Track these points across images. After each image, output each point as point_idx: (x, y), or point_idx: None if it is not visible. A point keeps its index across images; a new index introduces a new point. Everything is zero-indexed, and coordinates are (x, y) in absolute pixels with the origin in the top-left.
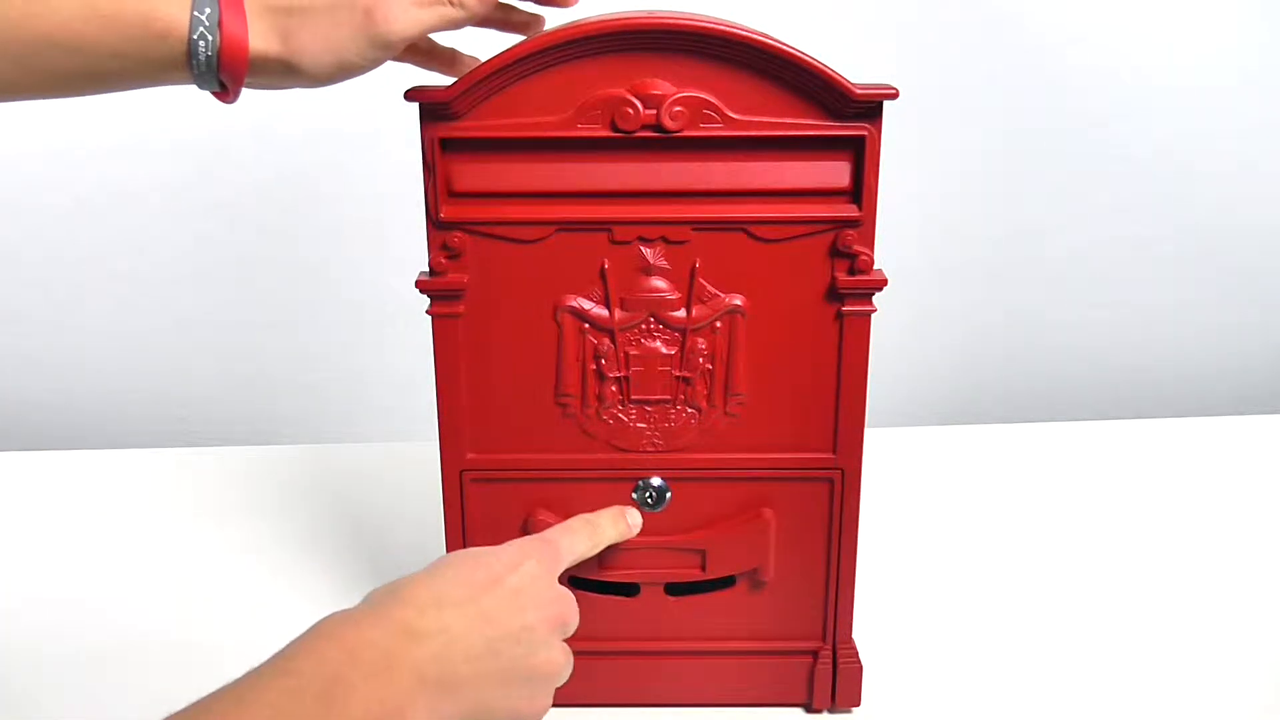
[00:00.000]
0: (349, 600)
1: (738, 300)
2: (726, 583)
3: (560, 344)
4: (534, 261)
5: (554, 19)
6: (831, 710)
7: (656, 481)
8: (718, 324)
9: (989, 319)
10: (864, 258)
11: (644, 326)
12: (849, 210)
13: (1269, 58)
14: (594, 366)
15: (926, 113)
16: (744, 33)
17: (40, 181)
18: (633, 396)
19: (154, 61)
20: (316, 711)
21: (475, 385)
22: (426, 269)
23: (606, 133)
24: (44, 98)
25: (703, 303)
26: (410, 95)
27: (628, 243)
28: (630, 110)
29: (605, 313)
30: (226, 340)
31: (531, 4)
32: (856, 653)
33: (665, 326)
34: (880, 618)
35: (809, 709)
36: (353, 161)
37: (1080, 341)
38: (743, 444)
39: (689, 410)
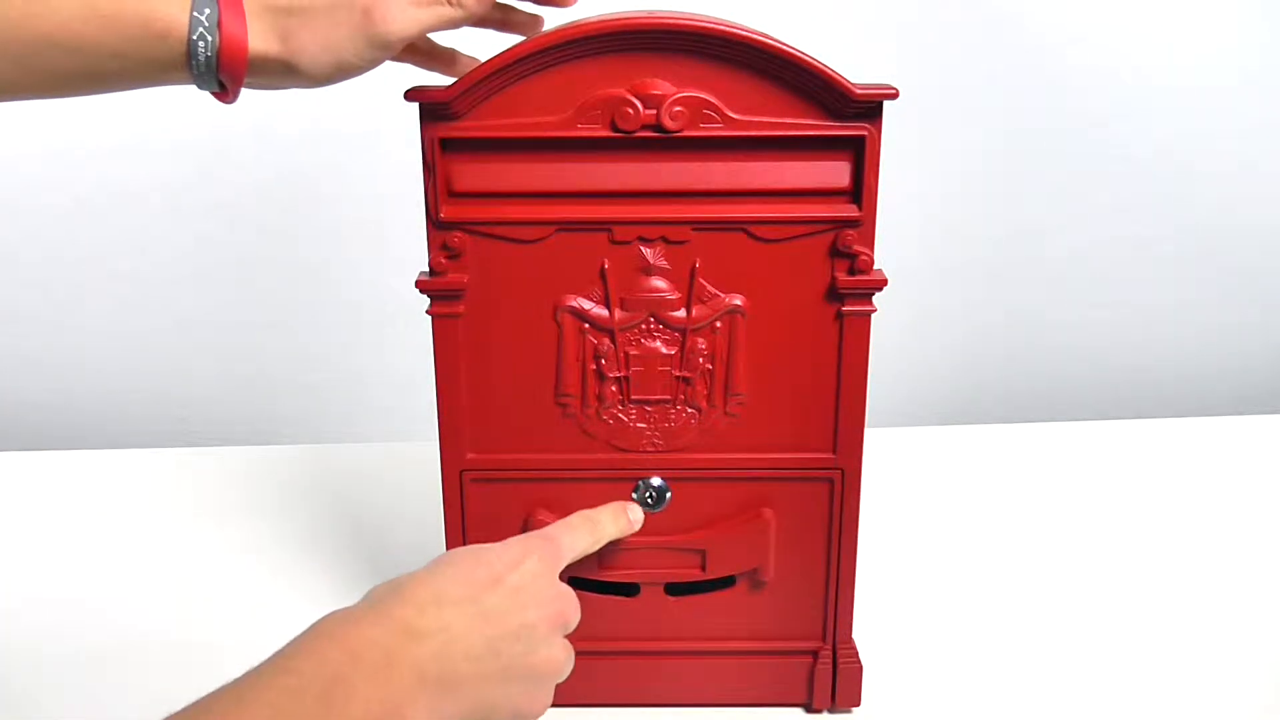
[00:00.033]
0: (349, 600)
1: (738, 300)
2: (726, 583)
3: (560, 344)
4: (534, 261)
5: (553, 19)
6: (831, 710)
7: (656, 481)
8: (718, 324)
9: (989, 319)
10: (864, 258)
11: (644, 326)
12: (849, 210)
13: (1269, 58)
14: (594, 366)
15: (926, 113)
16: (744, 33)
17: (40, 181)
18: (633, 396)
19: (153, 62)
20: (317, 711)
21: (475, 385)
22: (426, 269)
23: (606, 133)
24: (44, 97)
25: (703, 303)
26: (410, 95)
27: (628, 243)
28: (630, 110)
29: (605, 313)
30: (226, 340)
31: (530, 4)
32: (856, 653)
33: (665, 326)
34: (880, 618)
35: (809, 709)
36: (352, 161)
37: (1080, 341)
38: (743, 444)
39: (689, 410)
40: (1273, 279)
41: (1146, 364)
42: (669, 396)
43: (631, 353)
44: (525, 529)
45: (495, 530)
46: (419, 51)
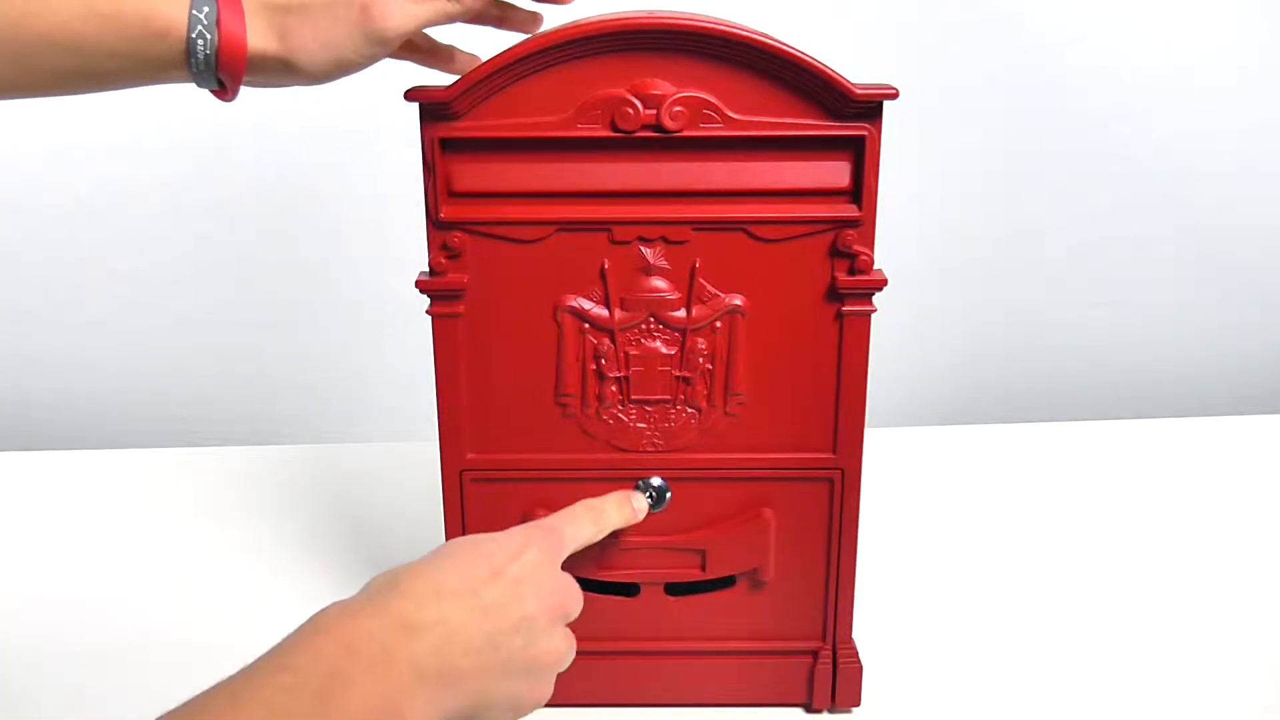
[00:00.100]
0: None
1: (738, 300)
2: (726, 583)
3: (560, 344)
4: (534, 261)
5: (553, 18)
6: (831, 710)
7: (657, 481)
8: (718, 324)
9: (989, 319)
10: (864, 258)
11: (644, 326)
12: (849, 210)
13: (1269, 58)
14: (594, 366)
15: (926, 113)
16: (744, 33)
17: (40, 181)
18: (633, 396)
19: (153, 60)
20: (314, 708)
21: (475, 385)
22: (426, 269)
23: (606, 133)
24: (43, 96)
25: (703, 303)
26: (410, 95)
27: (628, 243)
28: (630, 110)
29: (605, 313)
30: (226, 340)
31: (529, 0)
32: (856, 653)
33: (665, 326)
34: (880, 618)
35: (809, 709)
36: (352, 161)
37: (1080, 341)
38: (743, 444)
39: (689, 410)
40: (1273, 279)
41: (1146, 364)
42: (669, 396)
43: (631, 353)
44: None
45: (495, 530)
46: (418, 48)
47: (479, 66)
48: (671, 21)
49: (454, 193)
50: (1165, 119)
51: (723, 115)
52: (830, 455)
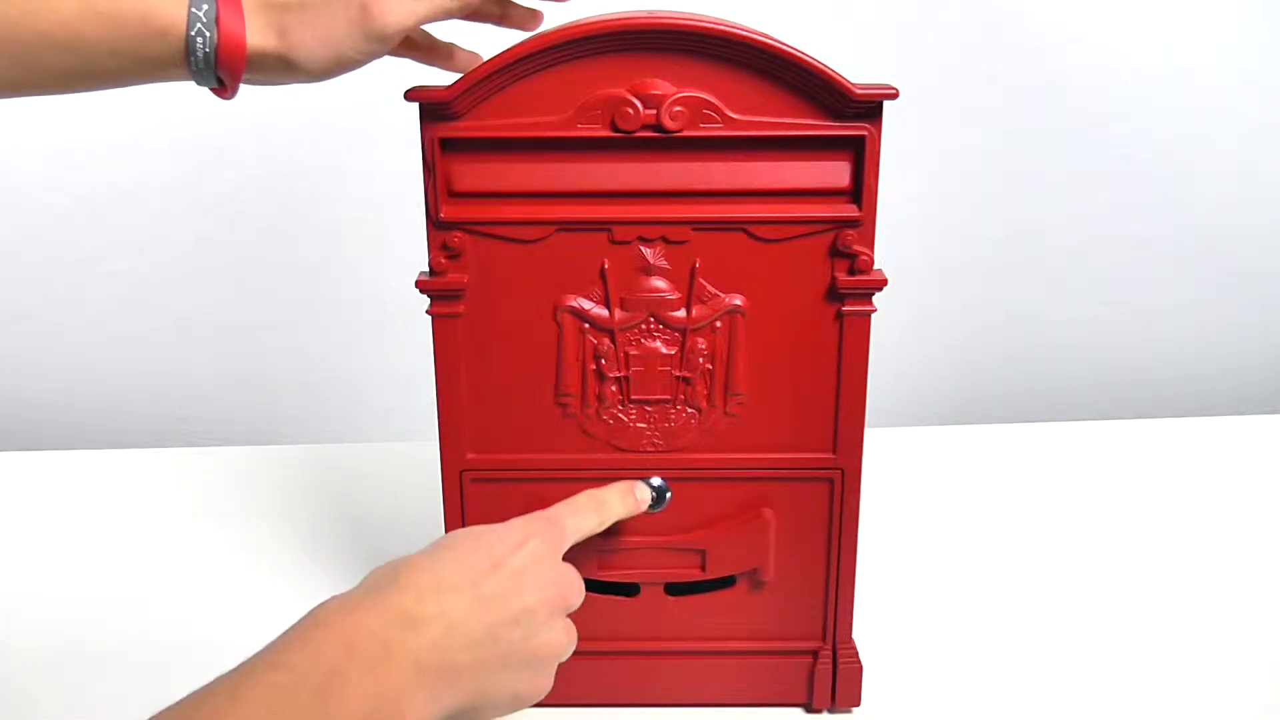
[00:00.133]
0: None
1: (738, 300)
2: (726, 583)
3: (560, 344)
4: (534, 261)
5: (552, 17)
6: (831, 710)
7: (657, 481)
8: (718, 324)
9: (989, 319)
10: (864, 258)
11: (644, 326)
12: (849, 210)
13: (1269, 58)
14: (594, 366)
15: (926, 113)
16: (744, 33)
17: (40, 181)
18: (633, 396)
19: (152, 59)
20: (313, 706)
21: (475, 385)
22: (426, 269)
23: (606, 133)
24: (42, 94)
25: (703, 303)
26: (410, 95)
27: (628, 243)
28: (630, 110)
29: (605, 313)
30: (226, 340)
31: None
32: (856, 653)
33: (665, 326)
34: (880, 618)
35: (809, 709)
36: (352, 161)
37: (1080, 341)
38: (743, 444)
39: (689, 410)
40: (1273, 279)
41: (1146, 364)
42: (669, 396)
43: (631, 353)
44: None
45: None
46: (417, 46)
47: (479, 66)
48: (671, 21)
49: (454, 193)
50: (1165, 119)
51: (723, 115)
52: (830, 455)
